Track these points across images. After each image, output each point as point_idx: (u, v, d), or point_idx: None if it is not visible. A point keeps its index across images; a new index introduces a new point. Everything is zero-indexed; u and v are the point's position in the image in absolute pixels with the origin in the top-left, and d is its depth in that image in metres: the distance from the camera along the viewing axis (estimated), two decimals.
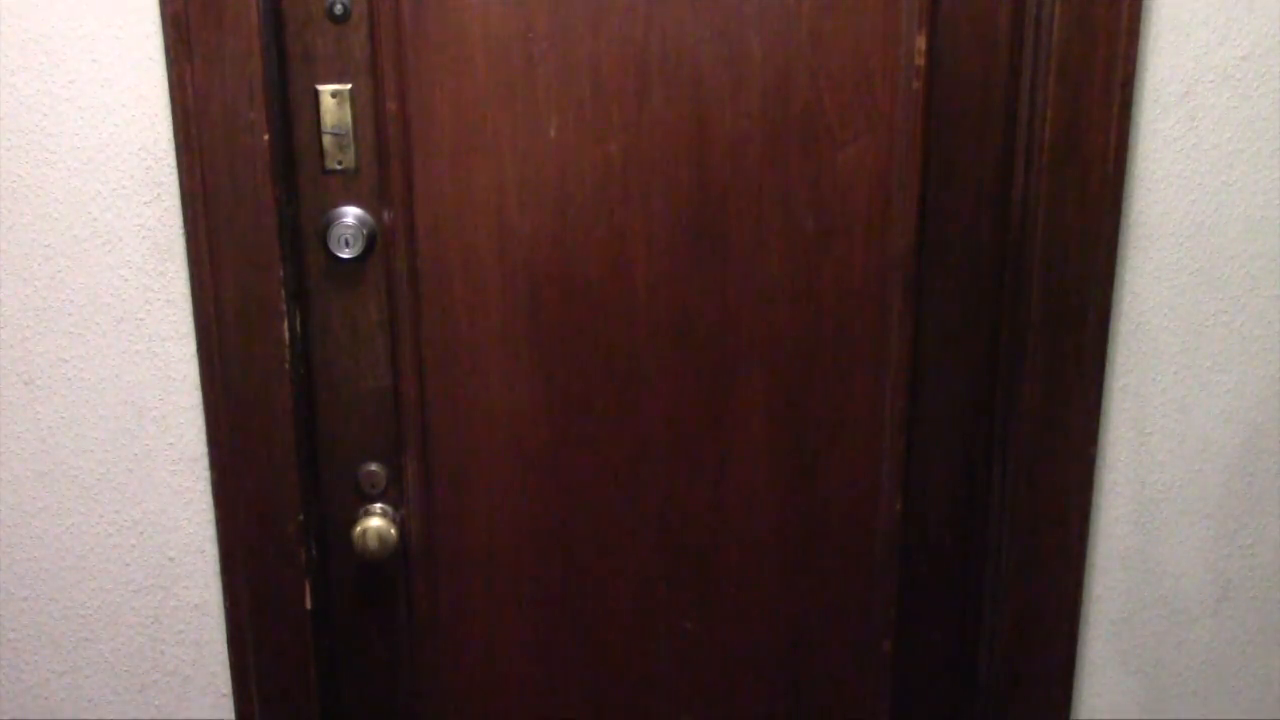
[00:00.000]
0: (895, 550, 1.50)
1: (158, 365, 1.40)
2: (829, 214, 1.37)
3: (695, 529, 1.49)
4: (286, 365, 1.44)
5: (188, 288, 1.39)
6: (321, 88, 1.32)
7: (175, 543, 1.47)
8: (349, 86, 1.32)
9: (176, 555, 1.47)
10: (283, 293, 1.42)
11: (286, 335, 1.43)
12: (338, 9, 1.31)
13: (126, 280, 1.37)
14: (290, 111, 1.34)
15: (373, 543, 1.42)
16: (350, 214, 1.34)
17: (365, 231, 1.34)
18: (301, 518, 1.50)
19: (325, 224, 1.35)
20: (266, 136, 1.35)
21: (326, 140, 1.32)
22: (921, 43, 1.31)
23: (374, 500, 1.45)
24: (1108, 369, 1.40)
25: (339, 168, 1.32)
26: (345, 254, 1.35)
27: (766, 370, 1.43)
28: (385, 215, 1.35)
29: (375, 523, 1.42)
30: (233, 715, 1.54)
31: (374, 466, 1.45)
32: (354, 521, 1.45)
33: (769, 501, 1.48)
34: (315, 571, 1.48)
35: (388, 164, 1.35)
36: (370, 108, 1.33)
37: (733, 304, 1.41)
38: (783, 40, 1.33)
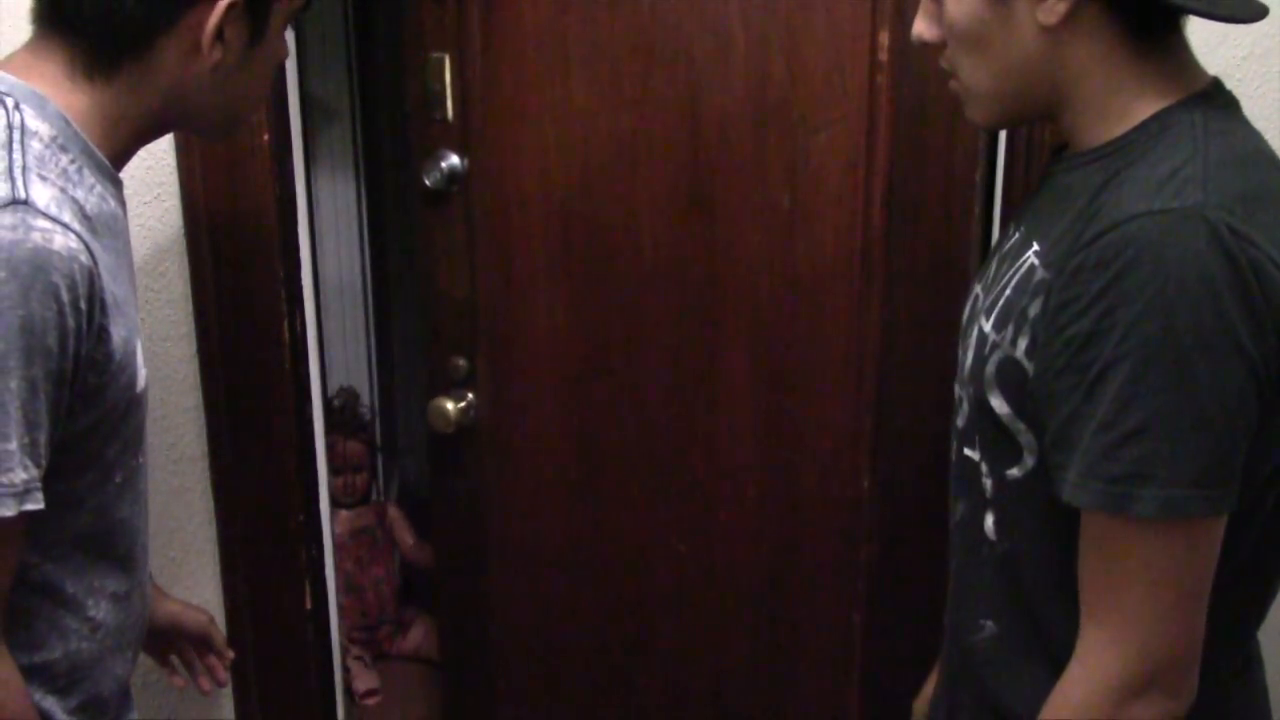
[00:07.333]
0: (865, 521, 1.52)
1: (158, 365, 1.41)
2: (803, 195, 1.42)
3: (688, 460, 1.56)
4: (286, 366, 1.46)
5: (188, 288, 1.41)
6: (432, 54, 1.52)
7: (175, 543, 1.48)
8: (446, 55, 1.51)
9: (177, 555, 1.49)
10: (283, 294, 1.44)
11: (286, 336, 1.45)
12: None
13: None
14: (409, 71, 1.55)
15: (454, 417, 1.63)
16: (443, 156, 1.55)
17: (451, 171, 1.56)
18: (302, 517, 1.51)
19: (427, 162, 1.56)
20: (266, 136, 1.37)
21: (431, 96, 1.54)
22: (885, 39, 1.34)
23: (459, 386, 1.64)
24: None
25: (438, 119, 1.55)
26: (438, 187, 1.56)
27: (748, 329, 1.49)
28: (465, 160, 1.55)
29: (454, 405, 1.63)
30: (233, 715, 1.55)
31: (460, 360, 1.63)
32: (443, 399, 1.63)
33: (750, 442, 1.53)
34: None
35: (469, 119, 1.53)
36: (459, 74, 1.52)
37: (719, 265, 1.48)
38: (763, 34, 1.38)
